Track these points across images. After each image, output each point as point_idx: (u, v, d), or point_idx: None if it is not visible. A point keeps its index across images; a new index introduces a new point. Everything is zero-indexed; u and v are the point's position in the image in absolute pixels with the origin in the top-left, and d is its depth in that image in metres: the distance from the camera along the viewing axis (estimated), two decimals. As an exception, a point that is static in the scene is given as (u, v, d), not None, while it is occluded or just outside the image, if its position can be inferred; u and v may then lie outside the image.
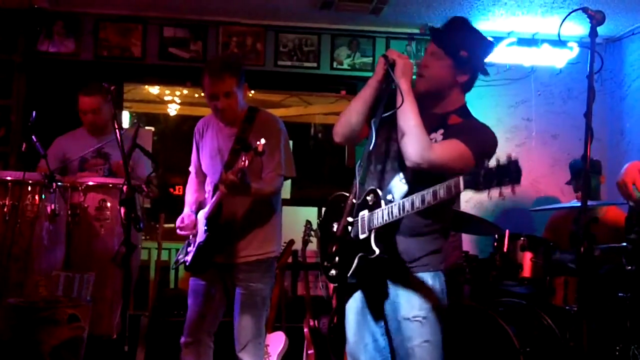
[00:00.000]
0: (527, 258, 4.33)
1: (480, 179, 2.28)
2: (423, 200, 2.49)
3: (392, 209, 2.59)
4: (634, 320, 3.88)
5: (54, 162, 4.30)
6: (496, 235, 4.45)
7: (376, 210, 2.64)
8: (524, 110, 6.05)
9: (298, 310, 4.97)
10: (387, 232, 2.67)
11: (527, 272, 4.32)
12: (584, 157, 2.62)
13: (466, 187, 2.34)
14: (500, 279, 4.41)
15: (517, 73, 5.94)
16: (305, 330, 4.75)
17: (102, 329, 4.03)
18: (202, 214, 3.58)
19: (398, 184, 2.73)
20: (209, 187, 3.65)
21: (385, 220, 2.60)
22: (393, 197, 2.69)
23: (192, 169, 3.82)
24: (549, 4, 5.23)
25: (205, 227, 3.51)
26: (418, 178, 2.66)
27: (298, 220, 5.31)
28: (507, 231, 4.39)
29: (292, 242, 4.92)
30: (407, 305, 2.75)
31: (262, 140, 3.07)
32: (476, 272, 4.59)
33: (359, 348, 2.88)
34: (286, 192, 6.12)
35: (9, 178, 3.86)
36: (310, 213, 6.33)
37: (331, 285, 4.77)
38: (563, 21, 2.81)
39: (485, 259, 4.62)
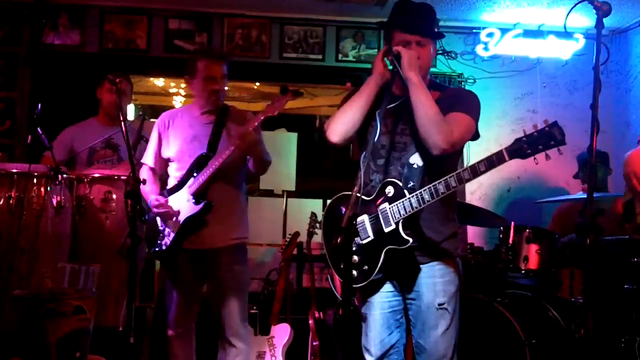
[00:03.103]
0: (532, 250, 4.32)
1: (525, 146, 2.41)
2: (460, 179, 2.52)
3: (421, 195, 2.58)
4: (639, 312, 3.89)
5: (60, 150, 4.33)
6: (501, 227, 4.45)
7: (401, 200, 2.63)
8: (529, 102, 6.03)
9: (303, 302, 4.98)
10: (412, 220, 2.67)
11: (532, 264, 4.31)
12: (589, 149, 2.62)
13: (512, 157, 2.44)
14: (506, 271, 4.41)
15: (522, 65, 5.93)
16: (311, 322, 4.76)
17: (108, 320, 4.04)
18: (184, 192, 3.63)
19: (414, 171, 2.73)
20: (178, 173, 3.71)
21: (415, 207, 2.60)
22: (414, 185, 2.70)
23: (148, 161, 3.86)
24: (555, -5, 5.22)
25: (202, 200, 3.56)
26: (432, 161, 2.69)
27: (303, 212, 5.31)
28: (512, 223, 4.39)
29: (297, 234, 4.93)
30: (432, 292, 2.76)
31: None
32: (482, 264, 4.60)
33: (375, 342, 2.86)
34: (291, 184, 6.12)
35: (14, 170, 3.85)
36: (315, 205, 6.32)
37: (337, 279, 4.76)
38: (569, 12, 2.80)
39: (491, 251, 4.62)
